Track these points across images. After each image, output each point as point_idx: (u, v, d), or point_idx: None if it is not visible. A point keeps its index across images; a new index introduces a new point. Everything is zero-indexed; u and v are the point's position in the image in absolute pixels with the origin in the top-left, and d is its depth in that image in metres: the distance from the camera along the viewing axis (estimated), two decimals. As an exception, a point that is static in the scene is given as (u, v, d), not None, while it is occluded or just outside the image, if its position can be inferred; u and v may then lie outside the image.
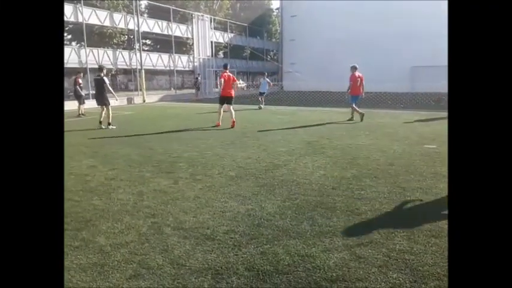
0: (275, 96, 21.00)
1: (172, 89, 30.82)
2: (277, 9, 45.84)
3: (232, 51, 36.27)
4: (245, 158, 6.21)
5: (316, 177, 4.97)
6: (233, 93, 10.49)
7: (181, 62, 29.05)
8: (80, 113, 14.19)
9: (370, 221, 3.43)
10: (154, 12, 30.02)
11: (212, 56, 31.60)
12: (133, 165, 5.76)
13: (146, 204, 3.97)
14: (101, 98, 10.74)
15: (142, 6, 33.48)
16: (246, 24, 37.35)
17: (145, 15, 31.28)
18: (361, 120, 10.93)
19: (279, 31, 42.13)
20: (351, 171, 5.23)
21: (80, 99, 14.34)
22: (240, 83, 16.76)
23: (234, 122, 10.17)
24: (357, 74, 11.19)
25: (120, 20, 24.05)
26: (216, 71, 31.21)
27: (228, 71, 10.62)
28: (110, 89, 10.61)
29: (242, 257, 2.77)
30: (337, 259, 2.73)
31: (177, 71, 28.83)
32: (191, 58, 29.89)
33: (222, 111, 10.50)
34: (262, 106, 16.15)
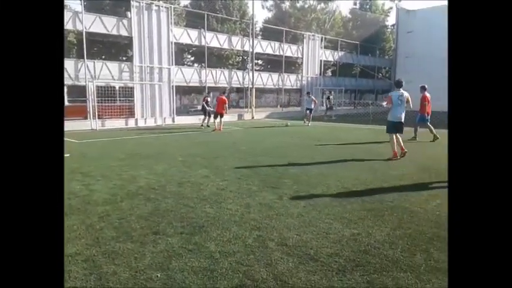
0: (384, 116, 19.88)
1: (279, 106, 31.80)
2: (392, 25, 43.81)
3: (342, 69, 35.79)
4: (352, 178, 5.99)
5: (433, 206, 4.50)
6: (222, 110, 15.04)
7: (290, 80, 29.81)
8: (203, 125, 16.83)
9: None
10: (268, 34, 31.68)
11: (320, 74, 31.69)
12: (242, 177, 6.07)
13: (252, 216, 4.12)
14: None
15: (258, 29, 35.63)
16: (357, 42, 36.57)
17: (260, 37, 33.19)
18: (434, 140, 11.12)
19: (393, 48, 40.14)
20: (476, 204, 4.59)
21: (206, 113, 16.94)
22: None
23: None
24: (427, 94, 11.67)
25: (237, 43, 25.99)
26: (323, 89, 31.17)
27: (224, 95, 15.59)
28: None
29: (347, 284, 2.65)
30: (458, 303, 2.40)
31: (284, 89, 29.69)
32: (299, 77, 30.47)
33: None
34: (309, 123, 17.52)
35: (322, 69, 32.10)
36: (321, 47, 31.54)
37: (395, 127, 8.09)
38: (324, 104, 25.83)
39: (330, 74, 38.27)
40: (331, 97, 26.32)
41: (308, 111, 18.04)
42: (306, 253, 3.16)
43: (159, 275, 2.77)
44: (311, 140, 11.82)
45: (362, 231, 3.68)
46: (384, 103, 8.97)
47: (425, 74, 30.10)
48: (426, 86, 11.85)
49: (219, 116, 15.18)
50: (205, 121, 16.81)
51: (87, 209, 4.40)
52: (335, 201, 4.71)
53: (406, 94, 8.08)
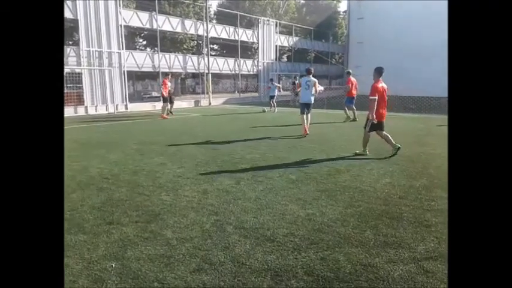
0: (338, 100, 20.55)
1: (236, 92, 31.66)
2: (344, 12, 44.82)
3: (297, 54, 36.18)
4: (306, 161, 6.16)
5: (382, 185, 4.76)
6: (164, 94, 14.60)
7: (246, 66, 29.69)
8: (171, 112, 15.43)
9: (440, 234, 3.19)
10: (222, 18, 31.13)
11: (276, 59, 31.84)
12: (200, 164, 6.02)
13: (210, 202, 4.12)
14: None
15: (212, 12, 34.86)
16: (311, 28, 37.06)
17: (214, 21, 32.54)
18: (352, 120, 12.25)
19: (345, 34, 41.17)
20: (421, 181, 4.92)
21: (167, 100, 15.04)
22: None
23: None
24: (352, 79, 12.59)
25: (191, 27, 25.33)
26: (279, 75, 31.41)
27: (168, 78, 15.30)
28: None
29: (302, 261, 2.75)
30: (402, 272, 2.59)
31: (241, 74, 29.55)
32: (255, 62, 30.42)
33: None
34: (275, 110, 17.48)
35: (277, 55, 32.26)
36: (276, 32, 31.63)
37: (305, 108, 9.10)
38: (291, 89, 25.83)
39: (286, 59, 38.60)
40: (296, 82, 25.79)
41: (271, 100, 17.89)
42: (262, 234, 3.23)
43: (113, 265, 2.71)
44: (269, 125, 11.94)
45: (316, 211, 3.82)
46: (297, 89, 9.88)
47: (374, 59, 31.32)
48: (351, 71, 13.14)
49: (165, 102, 14.75)
50: (169, 108, 15.61)
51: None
52: (291, 183, 4.83)
53: (313, 79, 9.03)
